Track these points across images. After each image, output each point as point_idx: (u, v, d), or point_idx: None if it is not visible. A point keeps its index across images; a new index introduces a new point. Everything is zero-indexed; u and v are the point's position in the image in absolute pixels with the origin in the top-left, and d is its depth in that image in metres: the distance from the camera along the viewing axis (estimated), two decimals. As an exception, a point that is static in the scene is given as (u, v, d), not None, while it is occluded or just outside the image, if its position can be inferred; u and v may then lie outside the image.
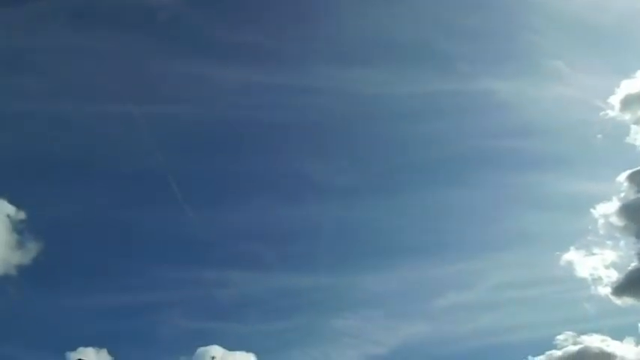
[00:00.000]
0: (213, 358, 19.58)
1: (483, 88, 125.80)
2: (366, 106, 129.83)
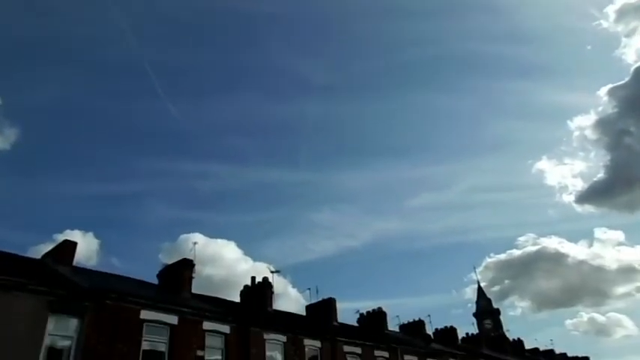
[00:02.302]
0: (195, 243, 20.36)
1: None
2: (357, 3, 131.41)
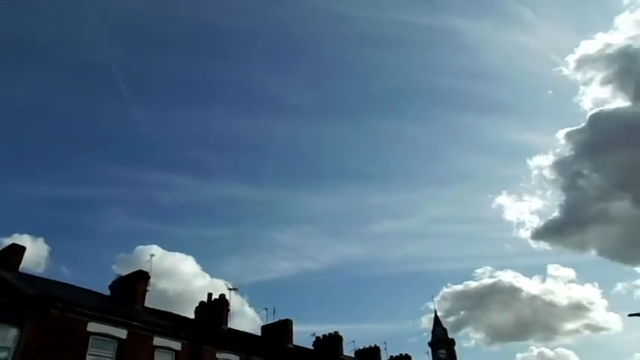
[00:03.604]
0: (152, 255, 19.60)
1: (449, 25, 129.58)
2: (334, 25, 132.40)
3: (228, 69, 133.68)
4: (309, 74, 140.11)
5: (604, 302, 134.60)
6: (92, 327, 13.84)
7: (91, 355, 13.64)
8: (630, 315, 26.53)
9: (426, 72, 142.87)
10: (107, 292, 19.17)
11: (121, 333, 14.55)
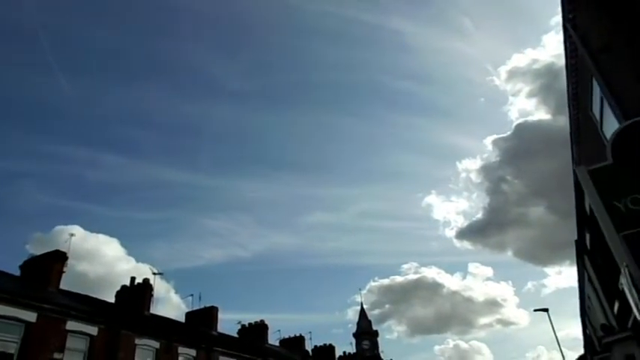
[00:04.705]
0: (71, 235, 18.46)
1: (395, 27, 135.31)
2: (284, 16, 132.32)
3: (170, 47, 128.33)
4: (254, 61, 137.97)
5: (515, 299, 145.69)
6: (-4, 308, 12.87)
7: (-8, 338, 12.70)
8: (535, 310, 29.26)
9: (367, 69, 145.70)
10: (17, 273, 17.88)
11: (30, 316, 13.66)
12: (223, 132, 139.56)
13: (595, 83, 7.82)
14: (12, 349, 13.14)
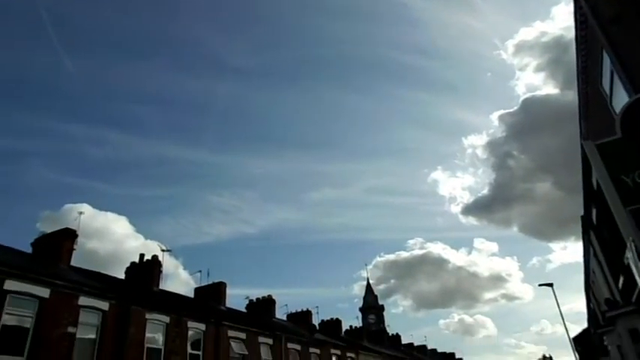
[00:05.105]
0: (81, 213, 18.81)
1: (403, 0, 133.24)
2: None
3: (173, 24, 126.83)
4: (258, 37, 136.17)
5: (520, 274, 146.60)
6: (10, 285, 13.16)
7: (8, 314, 13.01)
8: (540, 285, 29.58)
9: (373, 44, 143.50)
10: (29, 251, 18.22)
11: (43, 292, 13.97)
12: (228, 108, 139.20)
13: (605, 55, 7.68)
14: (27, 323, 13.48)
